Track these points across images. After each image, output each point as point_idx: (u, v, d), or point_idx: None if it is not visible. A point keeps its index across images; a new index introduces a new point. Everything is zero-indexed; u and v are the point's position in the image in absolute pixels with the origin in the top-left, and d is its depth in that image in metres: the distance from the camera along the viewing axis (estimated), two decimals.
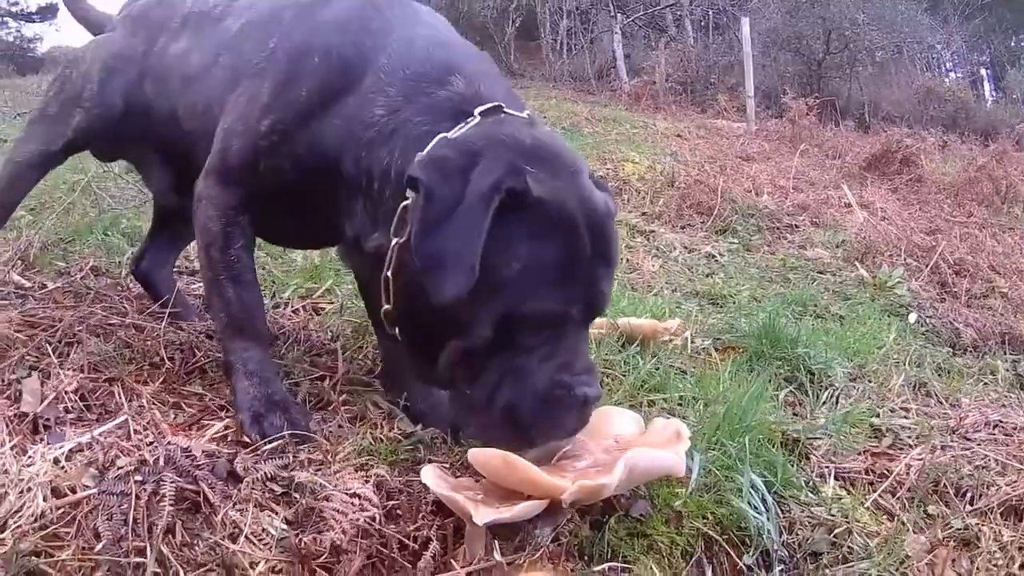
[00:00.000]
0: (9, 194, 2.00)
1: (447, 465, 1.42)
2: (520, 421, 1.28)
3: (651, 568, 1.29)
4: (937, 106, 9.64)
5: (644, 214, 4.43)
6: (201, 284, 2.28)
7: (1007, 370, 2.67)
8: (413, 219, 1.23)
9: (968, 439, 1.94)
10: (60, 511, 1.21)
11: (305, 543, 1.24)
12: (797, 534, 1.40)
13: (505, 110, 1.36)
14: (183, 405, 1.55)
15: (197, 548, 1.21)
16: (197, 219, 1.55)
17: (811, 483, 1.56)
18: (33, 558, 1.14)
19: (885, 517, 1.48)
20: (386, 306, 1.37)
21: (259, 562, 1.20)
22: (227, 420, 1.51)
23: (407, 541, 1.29)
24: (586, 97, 10.77)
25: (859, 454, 1.72)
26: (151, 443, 1.37)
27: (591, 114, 8.25)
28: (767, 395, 2.05)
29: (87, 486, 1.27)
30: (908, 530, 1.42)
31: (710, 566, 1.34)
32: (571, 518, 1.35)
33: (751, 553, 1.35)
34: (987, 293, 3.44)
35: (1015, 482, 1.63)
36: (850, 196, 4.77)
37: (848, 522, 1.41)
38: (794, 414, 2.03)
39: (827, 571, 1.31)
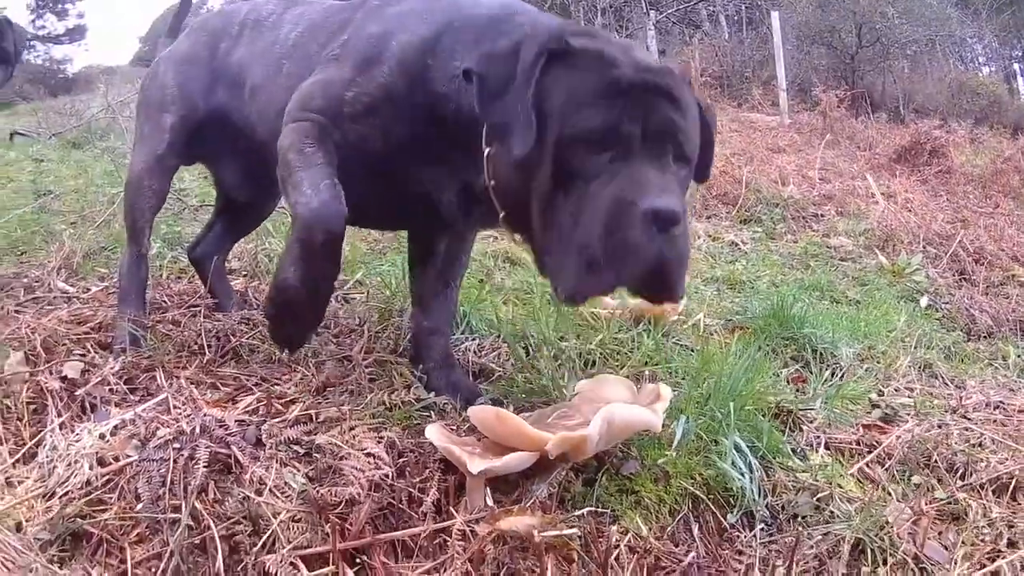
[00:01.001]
0: (139, 214, 1.94)
1: (453, 426, 1.51)
2: (592, 256, 1.17)
3: (637, 522, 1.35)
4: (970, 100, 9.37)
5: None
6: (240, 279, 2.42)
7: (1018, 355, 2.64)
8: (475, 104, 1.28)
9: (967, 418, 1.95)
10: (104, 478, 1.34)
11: (323, 495, 1.34)
12: (781, 496, 1.45)
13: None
14: (218, 385, 1.68)
15: (227, 504, 1.31)
16: (280, 147, 1.52)
17: (800, 451, 1.60)
18: (78, 519, 1.27)
19: (870, 485, 1.50)
20: (502, 213, 1.38)
21: (281, 512, 1.29)
22: (258, 394, 1.62)
23: (415, 493, 1.38)
24: None
25: (852, 426, 1.75)
26: (188, 416, 1.48)
27: None
28: (768, 370, 2.09)
29: (129, 455, 1.39)
30: (892, 498, 1.45)
31: (696, 524, 1.39)
32: (565, 475, 1.43)
33: (735, 513, 1.40)
34: (1005, 281, 3.38)
35: (1007, 460, 1.64)
36: (874, 186, 4.71)
37: (831, 487, 1.44)
38: (796, 390, 2.06)
39: (808, 532, 1.35)
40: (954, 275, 3.41)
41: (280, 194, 1.60)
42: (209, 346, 1.80)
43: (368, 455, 1.45)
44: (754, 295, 3.04)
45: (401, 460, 1.44)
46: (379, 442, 1.47)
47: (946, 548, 1.35)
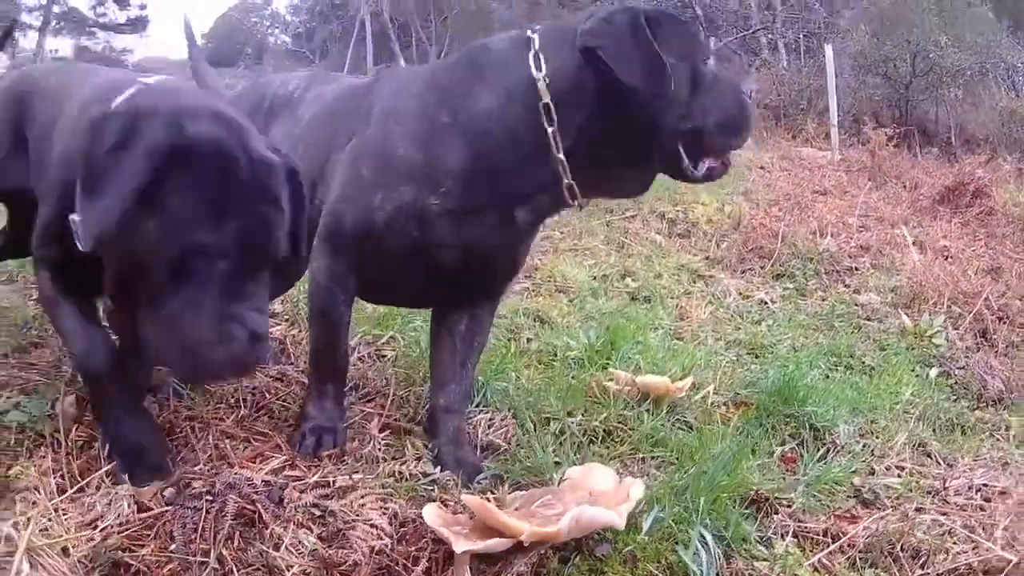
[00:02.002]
0: None
1: (451, 503, 1.78)
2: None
3: None
4: (1020, 128, 9.15)
5: (707, 258, 4.64)
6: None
7: (1021, 425, 2.75)
8: None
9: (947, 502, 2.10)
10: (141, 518, 1.60)
11: (330, 556, 1.61)
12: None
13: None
14: (251, 440, 1.95)
15: (249, 553, 1.58)
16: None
17: (766, 539, 1.80)
18: (119, 551, 1.52)
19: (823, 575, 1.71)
20: None
21: (294, 566, 1.57)
22: (284, 456, 1.91)
23: (409, 563, 1.64)
24: None
25: (824, 514, 1.93)
26: (220, 471, 1.76)
27: None
28: (759, 451, 2.31)
29: (166, 500, 1.67)
30: None
31: None
32: (545, 553, 1.68)
33: None
34: None
35: (969, 551, 1.78)
36: (907, 236, 4.78)
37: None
38: (787, 470, 2.26)
39: None
40: (975, 336, 3.50)
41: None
42: (245, 400, 2.09)
43: (372, 525, 1.73)
44: (772, 362, 3.22)
45: (402, 529, 1.69)
46: (384, 513, 1.73)
47: None
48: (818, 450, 2.37)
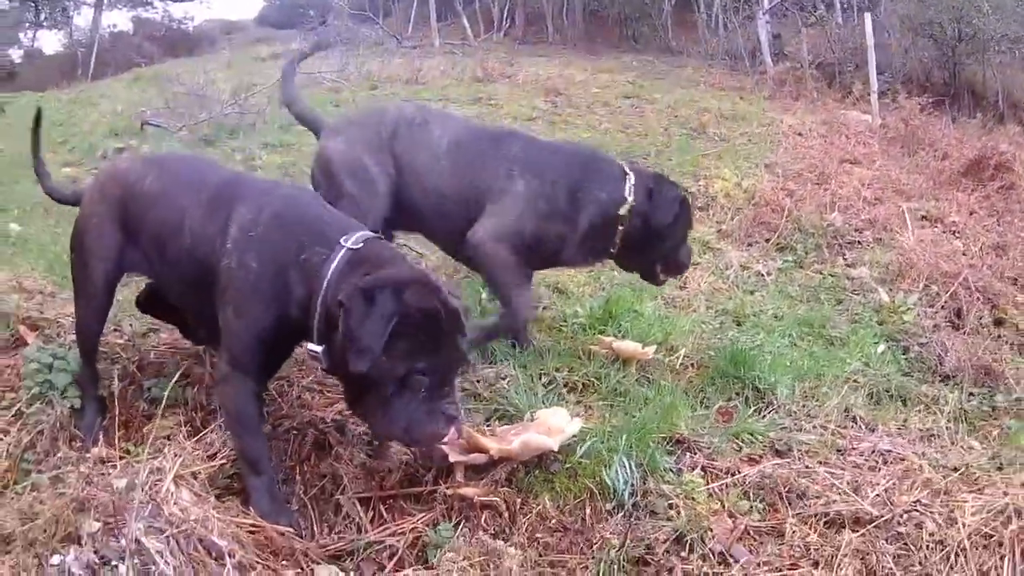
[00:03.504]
0: None
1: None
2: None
3: (545, 499, 2.25)
4: None
5: (719, 231, 5.11)
6: None
7: (956, 402, 3.20)
8: None
9: (847, 460, 2.58)
10: None
11: (374, 466, 2.35)
12: (647, 498, 2.27)
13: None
14: (324, 391, 2.69)
15: (320, 467, 2.34)
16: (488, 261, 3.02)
17: (679, 470, 2.39)
18: (231, 475, 2.26)
19: (715, 501, 2.32)
20: None
21: (349, 473, 2.31)
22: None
23: (424, 471, 2.36)
24: (734, 82, 11.05)
25: (732, 457, 2.52)
26: (302, 414, 2.53)
27: (724, 111, 8.69)
28: (705, 405, 2.90)
29: (273, 436, 2.41)
30: (723, 512, 2.26)
31: (589, 505, 2.25)
32: (516, 467, 2.32)
33: (612, 502, 2.24)
34: (1000, 321, 3.84)
35: (840, 500, 2.27)
36: (907, 211, 5.11)
37: (681, 498, 2.28)
38: (723, 422, 2.84)
39: (651, 520, 2.21)
40: (949, 314, 3.92)
41: None
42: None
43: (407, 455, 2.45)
44: (749, 330, 3.77)
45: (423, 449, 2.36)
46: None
47: (752, 553, 2.14)
48: (755, 407, 2.94)
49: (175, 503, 1.88)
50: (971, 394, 3.32)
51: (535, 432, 2.35)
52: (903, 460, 2.59)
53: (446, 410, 1.98)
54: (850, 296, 4.25)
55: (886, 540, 2.18)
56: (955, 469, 2.62)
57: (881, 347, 3.40)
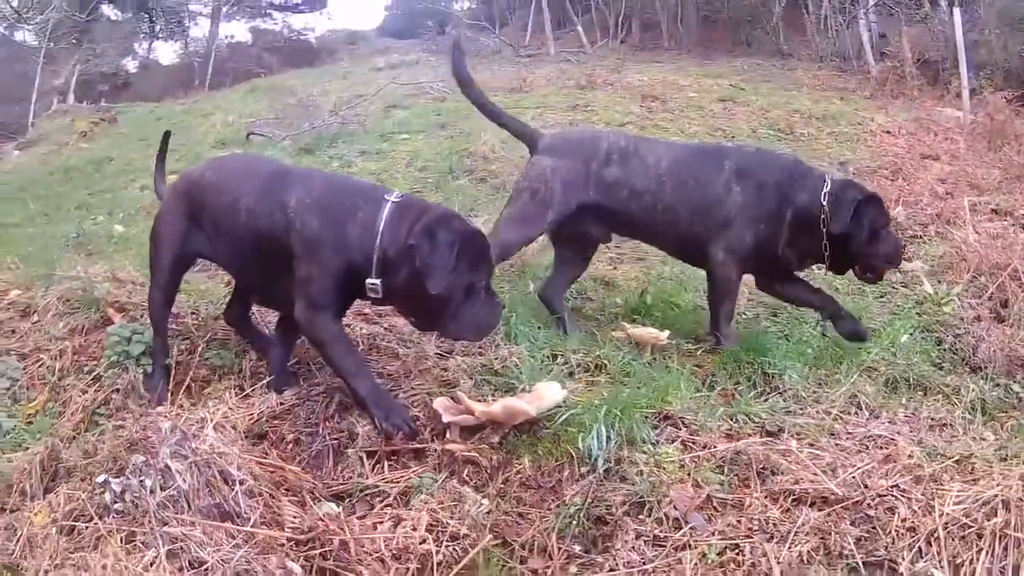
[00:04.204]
0: (499, 261, 3.16)
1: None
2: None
3: (526, 462, 2.35)
4: None
5: None
6: None
7: (977, 392, 2.96)
8: None
9: (834, 442, 2.50)
10: (281, 408, 2.61)
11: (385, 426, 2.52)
12: (621, 464, 2.32)
13: None
14: None
15: (341, 424, 2.54)
16: (717, 278, 3.24)
17: (657, 441, 2.42)
18: (265, 426, 2.55)
19: (684, 471, 2.31)
20: None
21: (363, 432, 2.49)
22: (375, 371, 2.81)
23: (426, 432, 2.50)
24: (839, 82, 10.46)
25: (714, 433, 2.50)
26: (330, 380, 2.76)
27: (816, 111, 8.27)
28: (703, 385, 2.87)
29: (298, 398, 2.70)
30: (689, 481, 2.25)
31: (567, 468, 2.33)
32: (509, 431, 2.44)
33: (588, 466, 2.31)
34: None
35: (806, 479, 2.22)
36: (970, 206, 4.68)
37: (649, 466, 2.29)
38: (724, 402, 2.80)
39: (620, 484, 2.24)
40: (994, 305, 3.59)
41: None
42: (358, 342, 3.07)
43: (404, 406, 2.61)
44: (785, 322, 3.65)
45: (430, 423, 2.56)
46: (421, 404, 2.64)
47: (709, 522, 2.13)
48: (760, 391, 2.88)
49: (203, 440, 2.10)
50: (996, 384, 3.06)
51: (526, 401, 2.44)
52: (893, 445, 2.46)
53: (497, 304, 2.52)
54: (897, 289, 4.00)
55: (851, 522, 2.11)
56: (955, 458, 2.46)
57: (904, 337, 3.20)
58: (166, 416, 2.27)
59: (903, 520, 2.10)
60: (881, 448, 2.46)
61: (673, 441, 2.45)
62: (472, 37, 14.31)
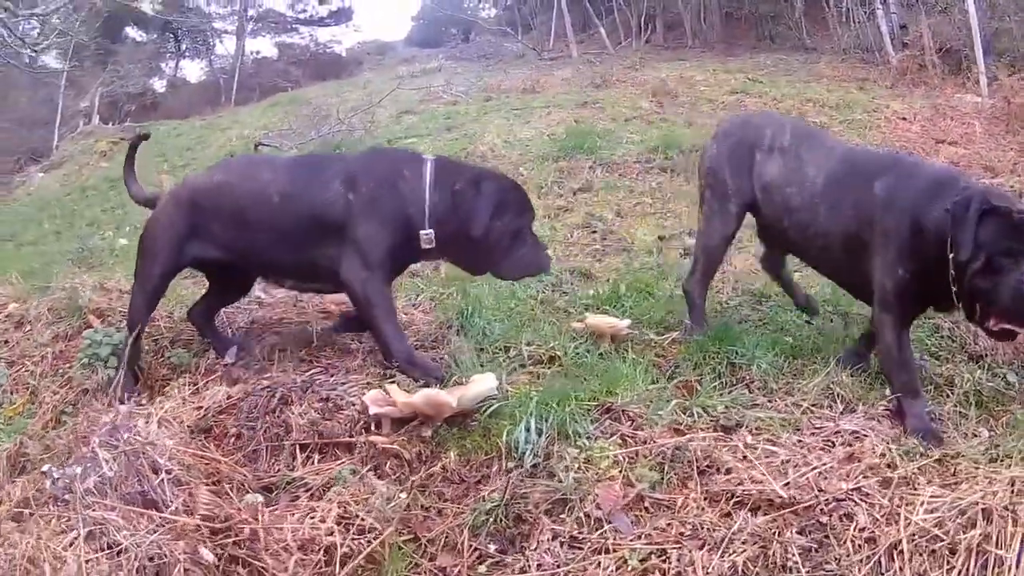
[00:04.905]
0: (710, 267, 2.95)
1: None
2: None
3: (452, 455, 2.10)
4: None
5: None
6: None
7: (973, 383, 2.57)
8: None
9: (799, 438, 2.16)
10: (228, 403, 2.41)
11: (319, 420, 2.31)
12: (549, 460, 2.03)
13: None
14: (313, 361, 2.69)
15: (280, 418, 2.32)
16: (880, 336, 2.45)
17: (594, 436, 2.12)
18: (210, 421, 2.35)
19: (617, 468, 2.00)
20: None
21: (297, 427, 2.29)
22: (322, 368, 2.62)
23: (365, 426, 2.28)
24: (861, 73, 9.93)
25: (661, 427, 2.18)
26: (279, 376, 2.54)
27: (830, 100, 7.81)
28: (662, 376, 2.56)
29: (244, 392, 2.47)
30: (619, 479, 1.94)
31: (496, 463, 2.06)
32: (442, 424, 2.21)
33: (515, 460, 2.04)
34: None
35: (747, 480, 1.91)
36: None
37: (577, 462, 1.99)
38: (681, 395, 2.47)
39: (544, 481, 1.95)
40: None
41: None
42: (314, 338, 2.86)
43: (350, 403, 2.39)
44: (770, 310, 3.29)
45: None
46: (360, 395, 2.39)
47: (634, 525, 1.82)
48: (725, 382, 2.54)
49: (136, 432, 2.05)
50: (995, 374, 2.66)
51: (459, 393, 2.18)
52: (861, 442, 2.11)
53: (544, 249, 2.67)
54: None
55: (799, 529, 1.79)
56: (935, 457, 2.11)
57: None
58: (109, 411, 2.24)
59: (861, 529, 1.78)
60: (848, 446, 2.11)
61: (611, 435, 2.15)
62: (495, 42, 14.07)
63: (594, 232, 4.78)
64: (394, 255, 2.55)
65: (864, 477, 1.94)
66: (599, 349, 2.75)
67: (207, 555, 1.78)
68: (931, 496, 1.89)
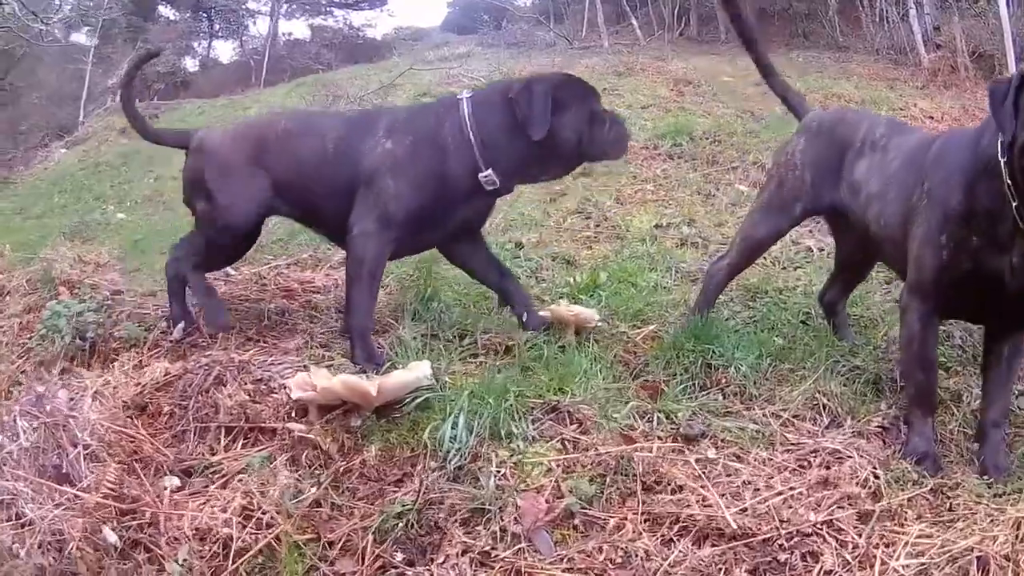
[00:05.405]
0: (745, 258, 2.58)
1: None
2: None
3: (375, 448, 1.82)
4: None
5: None
6: None
7: (979, 397, 2.18)
8: None
9: (771, 456, 1.82)
10: (166, 379, 2.16)
11: (246, 402, 2.03)
12: (476, 462, 1.72)
13: None
14: (261, 341, 2.42)
15: (209, 397, 2.06)
16: (903, 322, 2.00)
17: (531, 438, 1.80)
18: (146, 397, 2.10)
19: (549, 476, 1.68)
20: None
21: (226, 405, 2.02)
22: (267, 348, 2.35)
23: (293, 412, 2.00)
24: (893, 74, 9.39)
25: (612, 433, 1.84)
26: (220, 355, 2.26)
27: (854, 96, 7.33)
28: (627, 375, 2.23)
29: (183, 369, 2.21)
30: (547, 490, 1.62)
31: (421, 462, 1.76)
32: (371, 415, 1.92)
33: (439, 461, 1.74)
34: None
35: (697, 504, 1.60)
36: None
37: (509, 467, 1.68)
38: (648, 396, 2.13)
39: (464, 486, 1.65)
40: None
41: None
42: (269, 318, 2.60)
43: (282, 386, 2.11)
44: (758, 307, 2.94)
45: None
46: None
47: (557, 546, 1.50)
48: (697, 384, 2.20)
49: (58, 403, 1.93)
50: (1019, 393, 2.24)
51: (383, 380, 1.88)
52: (841, 464, 1.76)
53: (621, 119, 2.47)
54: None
55: (751, 567, 1.45)
56: (929, 487, 1.76)
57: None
58: (44, 383, 2.11)
59: (827, 573, 1.43)
60: (825, 467, 1.76)
61: (552, 439, 1.83)
62: (528, 31, 13.64)
63: (588, 218, 4.45)
64: (421, 217, 2.31)
65: (839, 508, 1.60)
66: (559, 341, 2.42)
67: (110, 536, 1.64)
68: (917, 536, 1.55)
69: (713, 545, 1.48)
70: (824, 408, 2.12)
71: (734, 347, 2.33)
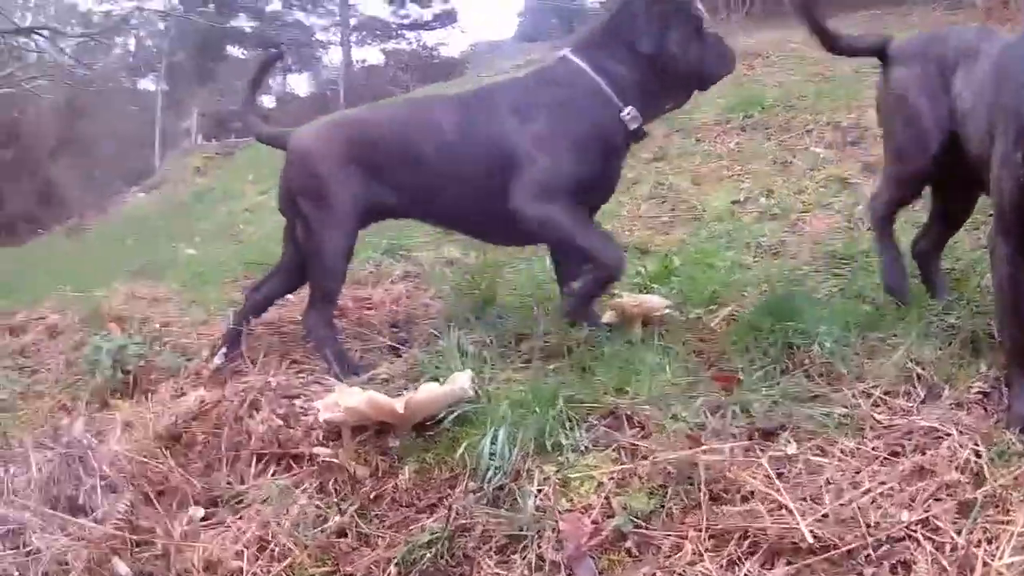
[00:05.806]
0: (899, 198, 2.22)
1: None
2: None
3: (410, 473, 1.70)
4: None
5: (864, 166, 3.73)
6: None
7: None
8: None
9: (860, 444, 1.53)
10: (202, 409, 2.11)
11: (280, 428, 1.96)
12: (518, 480, 1.56)
13: None
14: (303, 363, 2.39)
15: (243, 425, 2.00)
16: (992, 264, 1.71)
17: (582, 448, 1.62)
18: (181, 427, 2.08)
19: (599, 493, 1.48)
20: None
21: (257, 432, 1.96)
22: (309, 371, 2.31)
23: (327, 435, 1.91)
24: (948, 19, 8.52)
25: (678, 437, 1.61)
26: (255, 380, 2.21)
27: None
28: (702, 367, 2.00)
29: (219, 397, 2.17)
30: (596, 509, 1.42)
31: (460, 483, 1.62)
32: (408, 432, 1.81)
33: (478, 481, 1.59)
34: None
35: (767, 514, 1.34)
36: None
37: (553, 484, 1.50)
38: (723, 389, 1.88)
39: (505, 510, 1.49)
40: None
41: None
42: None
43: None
44: (853, 272, 2.58)
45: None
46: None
47: (602, 575, 1.31)
48: (777, 370, 1.92)
49: (75, 434, 1.92)
50: None
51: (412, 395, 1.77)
52: (938, 446, 1.45)
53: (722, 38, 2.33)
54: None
55: None
56: None
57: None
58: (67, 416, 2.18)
59: None
60: (920, 452, 1.45)
61: (606, 447, 1.63)
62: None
63: (663, 202, 4.17)
64: (592, 178, 2.25)
65: (936, 500, 1.30)
66: (624, 336, 2.20)
67: (120, 567, 1.61)
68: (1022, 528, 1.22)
69: (787, 563, 1.24)
70: (919, 379, 1.80)
71: (816, 322, 2.03)
